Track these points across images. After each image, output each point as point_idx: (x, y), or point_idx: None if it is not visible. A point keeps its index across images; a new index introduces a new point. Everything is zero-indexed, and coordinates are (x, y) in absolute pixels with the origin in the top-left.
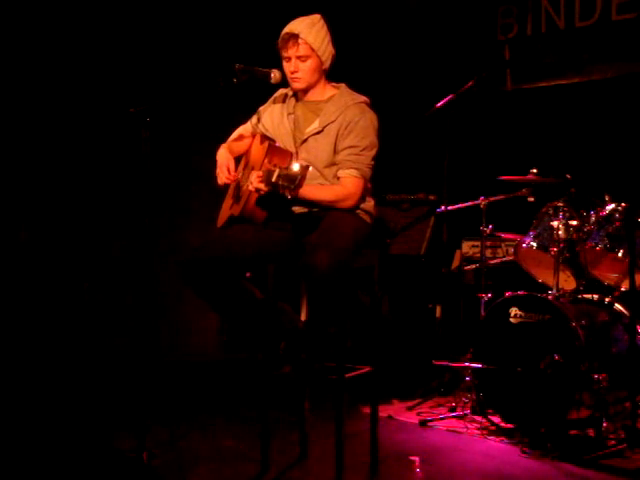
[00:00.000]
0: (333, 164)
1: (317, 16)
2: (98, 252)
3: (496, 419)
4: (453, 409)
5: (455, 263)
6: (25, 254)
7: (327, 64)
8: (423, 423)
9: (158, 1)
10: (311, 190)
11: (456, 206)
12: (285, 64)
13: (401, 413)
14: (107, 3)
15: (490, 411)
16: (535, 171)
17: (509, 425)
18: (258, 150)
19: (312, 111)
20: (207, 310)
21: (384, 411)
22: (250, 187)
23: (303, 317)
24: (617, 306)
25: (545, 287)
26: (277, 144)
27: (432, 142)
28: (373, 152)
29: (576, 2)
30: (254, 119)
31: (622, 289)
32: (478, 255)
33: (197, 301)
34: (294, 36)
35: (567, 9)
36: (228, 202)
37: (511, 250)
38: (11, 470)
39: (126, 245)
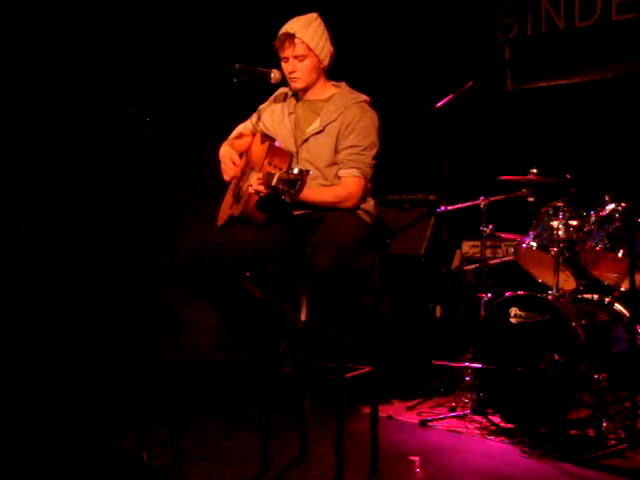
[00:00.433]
0: (334, 163)
1: (313, 15)
2: (98, 252)
3: (496, 419)
4: (453, 409)
5: (455, 263)
6: (29, 254)
7: (326, 62)
8: (423, 423)
9: (158, 1)
10: (312, 192)
11: (456, 206)
12: (283, 64)
13: (401, 413)
14: (107, 3)
15: (490, 411)
16: (535, 171)
17: (509, 425)
18: (258, 150)
19: (313, 110)
20: (207, 310)
21: (384, 411)
22: (250, 190)
23: (303, 317)
24: (617, 306)
25: (545, 287)
26: (277, 144)
27: (432, 142)
28: (374, 151)
29: (576, 2)
30: (254, 118)
31: (622, 289)
32: (478, 255)
33: (197, 301)
34: (290, 36)
35: (567, 9)
36: (228, 201)
37: (511, 250)
38: (12, 470)
39: (126, 245)
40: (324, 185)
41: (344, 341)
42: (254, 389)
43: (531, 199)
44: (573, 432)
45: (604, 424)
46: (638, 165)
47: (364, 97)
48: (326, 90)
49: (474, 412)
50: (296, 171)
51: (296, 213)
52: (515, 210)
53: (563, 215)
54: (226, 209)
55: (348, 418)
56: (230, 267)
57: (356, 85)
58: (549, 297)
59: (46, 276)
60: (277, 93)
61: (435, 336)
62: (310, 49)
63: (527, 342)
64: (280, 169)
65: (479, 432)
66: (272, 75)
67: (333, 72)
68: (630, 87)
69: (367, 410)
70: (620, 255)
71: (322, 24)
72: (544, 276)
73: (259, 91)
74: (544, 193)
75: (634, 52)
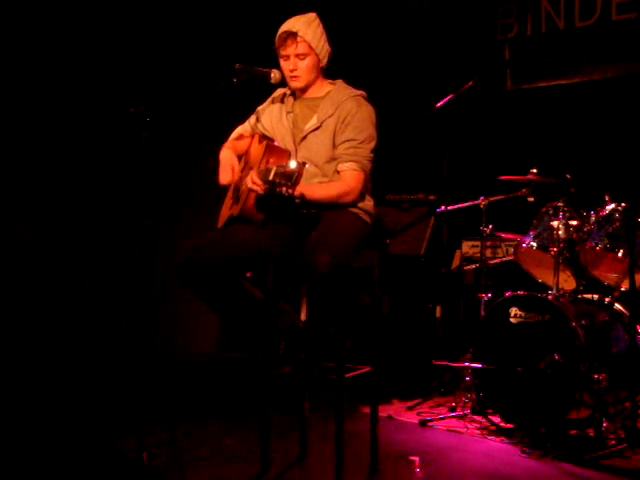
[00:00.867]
0: (333, 159)
1: (313, 14)
2: (98, 252)
3: (496, 419)
4: (453, 409)
5: (455, 263)
6: (29, 254)
7: (324, 62)
8: (423, 423)
9: (158, 1)
10: (312, 190)
11: (456, 206)
12: (283, 63)
13: (401, 413)
14: (107, 3)
15: (490, 411)
16: (535, 171)
17: (509, 425)
18: (256, 150)
19: (310, 108)
20: (207, 310)
21: (384, 411)
22: (248, 184)
23: (303, 317)
24: (617, 306)
25: (545, 287)
26: (276, 143)
27: (432, 142)
28: (372, 145)
29: (576, 2)
30: (252, 119)
31: (622, 289)
32: (478, 255)
33: (197, 301)
34: (292, 34)
35: (567, 9)
36: (228, 203)
37: (511, 250)
38: (12, 470)
39: (126, 245)
40: (323, 182)
41: (344, 341)
42: (254, 389)
43: (531, 199)
44: (573, 432)
45: (604, 424)
46: (638, 165)
47: (360, 92)
48: (323, 88)
49: (474, 412)
50: (293, 165)
51: (296, 211)
52: (515, 210)
53: (563, 215)
54: (226, 210)
55: (348, 418)
56: (230, 267)
57: (356, 85)
58: (549, 297)
59: (46, 276)
60: (275, 94)
61: (435, 336)
62: (312, 48)
63: (527, 342)
64: (277, 166)
65: (479, 432)
66: (272, 75)
67: (333, 72)
68: (630, 87)
69: (367, 410)
70: (620, 255)
71: (321, 24)
72: (544, 276)
73: (259, 91)
74: (544, 193)
75: (634, 52)
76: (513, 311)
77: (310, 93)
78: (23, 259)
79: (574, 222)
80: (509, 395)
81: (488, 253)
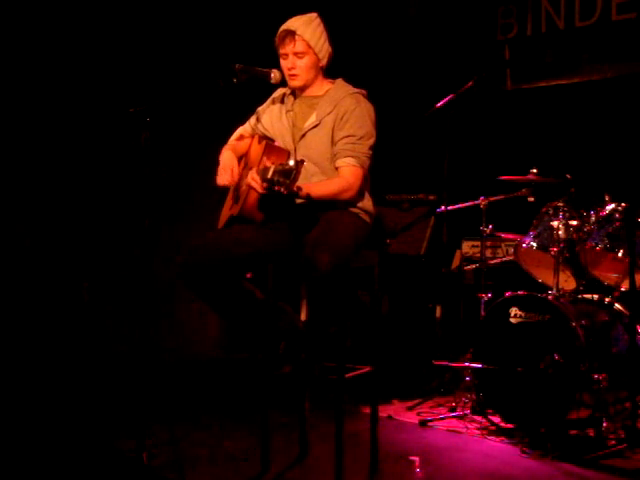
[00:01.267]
0: (333, 156)
1: (314, 14)
2: (98, 252)
3: (496, 419)
4: (453, 409)
5: (455, 263)
6: (29, 254)
7: (324, 61)
8: (423, 423)
9: (158, 1)
10: (311, 187)
11: (456, 206)
12: (282, 61)
13: (401, 413)
14: (107, 3)
15: (490, 411)
16: (535, 171)
17: (509, 425)
18: (256, 150)
19: (309, 106)
20: (207, 310)
21: (384, 411)
22: (248, 181)
23: (303, 317)
24: (617, 306)
25: (545, 287)
26: (275, 143)
27: (432, 142)
28: (370, 142)
29: (576, 2)
30: (253, 120)
31: (622, 289)
32: (478, 255)
33: (197, 301)
34: (291, 33)
35: (567, 9)
36: (228, 203)
37: (511, 250)
38: (12, 470)
39: (126, 245)
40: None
41: (344, 341)
42: (254, 389)
43: (531, 199)
44: (573, 432)
45: (604, 424)
46: (638, 165)
47: (359, 89)
48: (323, 87)
49: (474, 412)
50: (291, 163)
51: (296, 211)
52: (515, 210)
53: (563, 215)
54: (226, 211)
55: (348, 418)
56: (230, 267)
57: (356, 85)
58: (549, 297)
59: (46, 276)
60: (275, 94)
61: (435, 336)
62: (310, 47)
63: (527, 342)
64: (276, 164)
65: (479, 432)
66: (272, 75)
67: (333, 72)
68: (630, 87)
69: (367, 410)
70: (620, 255)
71: (322, 24)
72: (544, 276)
73: (259, 91)
74: (544, 193)
75: (634, 52)
76: (513, 311)
77: (310, 92)
78: (23, 259)
79: (574, 222)
80: (509, 395)
81: (488, 253)
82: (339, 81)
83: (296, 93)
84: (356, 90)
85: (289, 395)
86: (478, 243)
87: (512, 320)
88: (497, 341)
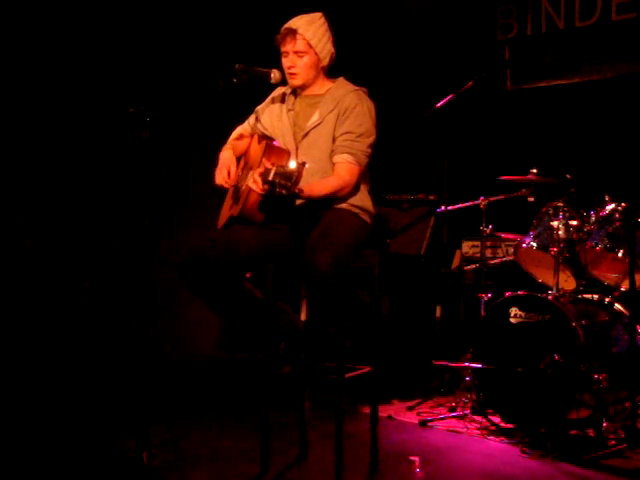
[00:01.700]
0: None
1: (318, 14)
2: (98, 252)
3: (496, 419)
4: (453, 409)
5: (455, 263)
6: (29, 254)
7: (325, 62)
8: (423, 423)
9: (158, 1)
10: (310, 189)
11: (456, 206)
12: (283, 59)
13: (401, 413)
14: (107, 3)
15: (490, 411)
16: (535, 171)
17: (509, 425)
18: (256, 149)
19: (311, 105)
20: (207, 310)
21: (384, 411)
22: (249, 183)
23: (303, 317)
24: (617, 306)
25: (545, 287)
26: (275, 143)
27: (432, 142)
28: (370, 140)
29: (576, 2)
30: (252, 119)
31: (622, 289)
32: (478, 255)
33: (197, 301)
34: (292, 31)
35: (567, 9)
36: (228, 203)
37: (511, 250)
38: (12, 470)
39: (126, 245)
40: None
41: (344, 341)
42: (254, 389)
43: (531, 199)
44: (573, 432)
45: (604, 424)
46: (638, 165)
47: (360, 87)
48: (324, 86)
49: (474, 412)
50: (293, 165)
51: (296, 211)
52: (515, 210)
53: (563, 215)
54: (226, 211)
55: (348, 418)
56: (229, 267)
57: (357, 85)
58: (549, 297)
59: (46, 276)
60: (275, 93)
61: (435, 336)
62: (310, 46)
63: (527, 342)
64: (277, 166)
65: (479, 432)
66: (272, 75)
67: (333, 72)
68: (630, 87)
69: (367, 410)
70: (620, 255)
71: (326, 24)
72: (544, 276)
73: (259, 91)
74: (544, 193)
75: (634, 52)
76: (513, 311)
77: (311, 91)
78: (23, 258)
79: (574, 222)
80: (509, 395)
81: (488, 253)
82: (340, 79)
83: (297, 92)
84: (358, 88)
85: (289, 395)
86: (478, 243)
87: (512, 320)
88: (497, 341)
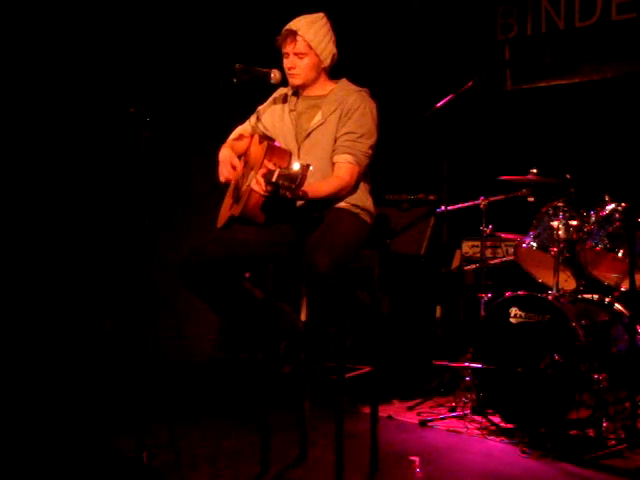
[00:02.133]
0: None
1: (320, 15)
2: (98, 252)
3: (496, 419)
4: (453, 409)
5: (455, 263)
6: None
7: (327, 63)
8: (423, 423)
9: (158, 1)
10: (312, 190)
11: (456, 206)
12: (284, 60)
13: (401, 413)
14: (107, 3)
15: (490, 411)
16: (535, 171)
17: (509, 425)
18: (257, 150)
19: (313, 106)
20: (207, 310)
21: (384, 411)
22: (252, 185)
23: (303, 317)
24: (617, 306)
25: (545, 287)
26: (276, 143)
27: (432, 142)
28: (371, 141)
29: (576, 2)
30: (253, 119)
31: (622, 289)
32: (478, 255)
33: (197, 301)
34: (292, 32)
35: (567, 9)
36: (228, 203)
37: (511, 250)
38: (12, 470)
39: (126, 245)
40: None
41: (344, 341)
42: (254, 389)
43: (531, 199)
44: (573, 432)
45: (604, 424)
46: (638, 165)
47: (363, 88)
48: (326, 87)
49: (474, 412)
50: (296, 167)
51: (296, 211)
52: (515, 210)
53: (563, 215)
54: (226, 211)
55: (348, 418)
56: (229, 267)
57: (357, 84)
58: (549, 297)
59: (46, 276)
60: (276, 94)
61: (435, 336)
62: (311, 48)
63: (527, 342)
64: (280, 167)
65: (479, 432)
66: (272, 75)
67: (334, 71)
68: (630, 87)
69: (367, 410)
70: (620, 255)
71: (327, 25)
72: (544, 276)
73: (259, 91)
74: (544, 193)
75: (634, 52)
76: (513, 311)
77: (313, 91)
78: (23, 258)
79: (574, 222)
80: (509, 395)
81: (488, 253)
82: (343, 80)
83: (299, 93)
84: (360, 89)
85: (289, 395)
86: (478, 243)
87: (512, 320)
88: (497, 341)
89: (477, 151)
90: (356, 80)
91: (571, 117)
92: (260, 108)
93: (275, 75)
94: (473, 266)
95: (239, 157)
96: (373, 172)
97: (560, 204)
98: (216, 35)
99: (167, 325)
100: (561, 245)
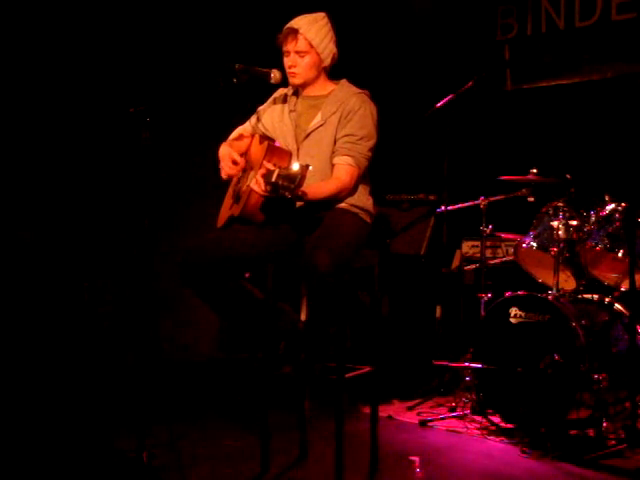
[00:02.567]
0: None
1: (321, 14)
2: (98, 252)
3: (496, 419)
4: (453, 409)
5: (455, 263)
6: (29, 254)
7: (327, 62)
8: (423, 423)
9: (158, 1)
10: (311, 190)
11: (456, 206)
12: (285, 59)
13: (401, 413)
14: (107, 3)
15: (490, 411)
16: (535, 171)
17: (509, 425)
18: (257, 150)
19: (313, 106)
20: (207, 310)
21: (384, 411)
22: (252, 186)
23: (303, 317)
24: (617, 306)
25: (545, 287)
26: (276, 144)
27: (432, 142)
28: (370, 143)
29: (576, 2)
30: (253, 119)
31: (622, 289)
32: (478, 255)
33: (197, 301)
34: (294, 31)
35: (567, 9)
36: (228, 202)
37: (511, 250)
38: (12, 470)
39: (126, 245)
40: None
41: (344, 341)
42: (254, 389)
43: (531, 199)
44: (573, 432)
45: (604, 424)
46: (638, 165)
47: (363, 90)
48: (327, 87)
49: (474, 412)
50: (296, 167)
51: (296, 211)
52: (515, 210)
53: (563, 215)
54: (226, 211)
55: (348, 418)
56: (229, 267)
57: (357, 85)
58: (549, 297)
59: (46, 275)
60: (276, 94)
61: (435, 336)
62: (312, 46)
63: (527, 342)
64: (279, 167)
65: (479, 432)
66: (272, 75)
67: (334, 71)
68: (630, 87)
69: (367, 410)
70: (620, 255)
71: (328, 24)
72: (544, 276)
73: (259, 91)
74: (544, 193)
75: (634, 52)
76: (513, 311)
77: (313, 91)
78: (23, 258)
79: (574, 222)
80: (509, 395)
81: (488, 253)
82: (343, 81)
83: (299, 93)
84: (361, 91)
85: (289, 395)
86: (478, 243)
87: (512, 320)
88: (497, 341)
89: (477, 151)
90: (356, 80)
91: (571, 117)
92: (260, 108)
93: (275, 75)
94: (473, 266)
95: (240, 156)
96: (373, 172)
97: (560, 204)
98: (216, 35)
99: (167, 325)
100: (561, 245)
